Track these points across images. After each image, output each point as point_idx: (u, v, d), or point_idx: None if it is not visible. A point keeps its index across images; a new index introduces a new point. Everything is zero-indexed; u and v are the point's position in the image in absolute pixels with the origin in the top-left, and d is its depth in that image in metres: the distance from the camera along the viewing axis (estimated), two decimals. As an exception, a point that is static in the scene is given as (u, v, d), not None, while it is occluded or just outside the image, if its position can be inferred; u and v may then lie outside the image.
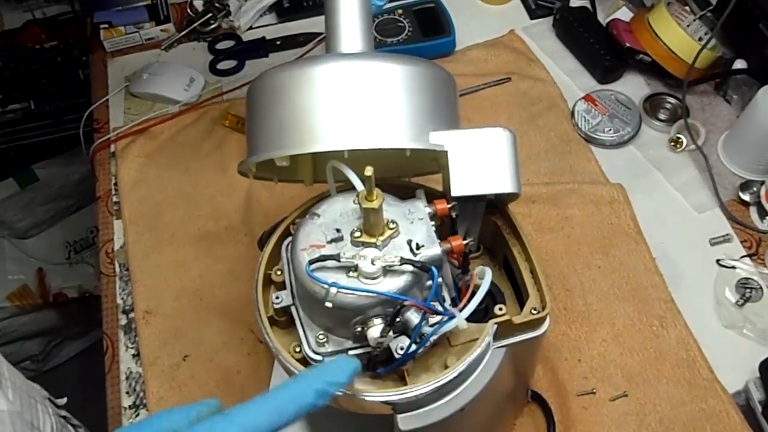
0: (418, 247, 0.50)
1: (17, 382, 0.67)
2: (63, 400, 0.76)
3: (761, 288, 0.79)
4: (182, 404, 0.79)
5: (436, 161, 0.53)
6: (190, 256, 0.87)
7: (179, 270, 0.86)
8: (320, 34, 1.07)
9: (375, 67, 0.52)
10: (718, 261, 0.82)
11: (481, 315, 0.56)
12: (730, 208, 0.87)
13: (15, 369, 0.68)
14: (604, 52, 1.02)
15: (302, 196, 0.61)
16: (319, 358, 0.52)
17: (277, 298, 0.55)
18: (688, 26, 0.95)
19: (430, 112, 0.53)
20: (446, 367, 0.53)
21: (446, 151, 0.52)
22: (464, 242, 0.52)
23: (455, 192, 0.53)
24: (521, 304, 0.58)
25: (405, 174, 0.65)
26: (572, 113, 0.98)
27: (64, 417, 0.75)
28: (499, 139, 0.54)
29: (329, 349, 0.52)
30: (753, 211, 0.87)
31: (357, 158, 0.51)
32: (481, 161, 0.53)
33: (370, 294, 0.48)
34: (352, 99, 0.51)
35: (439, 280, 0.50)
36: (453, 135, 0.52)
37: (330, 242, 0.51)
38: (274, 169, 0.57)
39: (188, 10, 1.14)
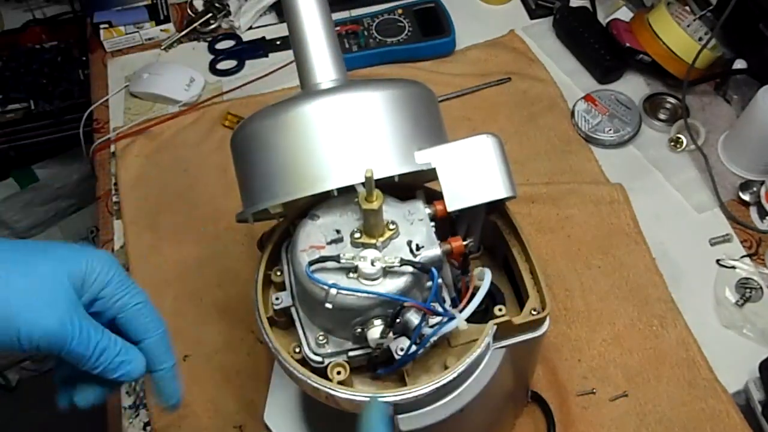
0: (418, 248, 0.50)
1: None
2: None
3: (761, 288, 0.79)
4: (182, 404, 0.79)
5: (433, 171, 0.53)
6: (190, 256, 0.87)
7: (179, 270, 0.86)
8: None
9: (352, 99, 0.51)
10: (718, 261, 0.82)
11: (480, 316, 0.56)
12: (730, 208, 0.87)
13: None
14: (604, 52, 1.02)
15: (302, 196, 0.61)
16: (318, 359, 0.52)
17: (276, 299, 0.55)
18: (688, 26, 0.95)
19: (413, 131, 0.52)
20: (446, 368, 0.53)
21: (434, 169, 0.52)
22: (464, 243, 0.52)
23: (450, 207, 0.52)
24: (521, 305, 0.58)
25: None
26: (572, 113, 0.98)
27: None
28: (485, 146, 0.53)
29: (329, 350, 0.52)
30: (753, 211, 0.87)
31: None
32: (470, 172, 0.52)
33: (370, 295, 0.48)
34: (334, 136, 0.50)
35: (439, 281, 0.50)
36: (439, 151, 0.52)
37: (330, 243, 0.51)
38: (271, 214, 0.57)
39: (188, 10, 1.14)
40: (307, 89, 0.56)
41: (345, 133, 0.51)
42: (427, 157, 0.52)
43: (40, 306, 0.42)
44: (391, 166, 0.51)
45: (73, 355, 0.43)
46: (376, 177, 0.47)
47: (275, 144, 0.52)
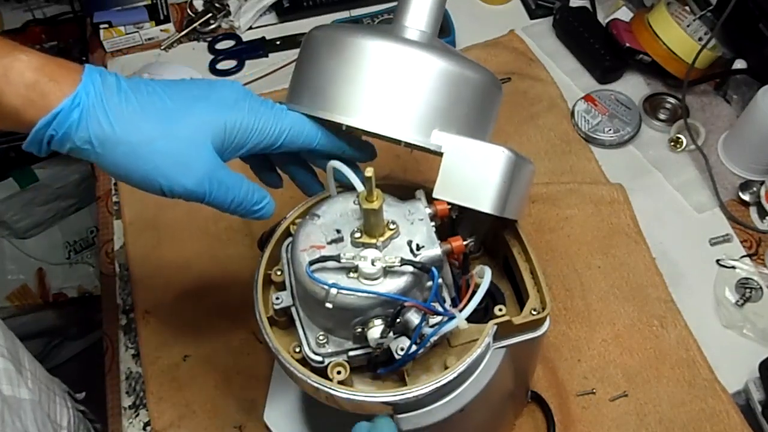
0: (418, 248, 0.51)
1: (37, 373, 0.68)
2: (82, 395, 0.76)
3: (761, 288, 0.79)
4: (182, 404, 0.79)
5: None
6: (190, 256, 0.87)
7: (179, 270, 0.86)
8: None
9: (412, 55, 0.52)
10: (718, 261, 0.82)
11: (480, 315, 0.56)
12: (730, 208, 0.87)
13: (37, 362, 0.69)
14: (604, 52, 1.02)
15: (302, 196, 0.61)
16: (319, 358, 0.52)
17: (277, 298, 0.55)
18: (688, 26, 0.95)
19: (448, 112, 0.52)
20: (446, 368, 0.53)
21: (442, 153, 0.52)
22: (465, 243, 0.52)
23: (435, 194, 0.52)
24: (521, 305, 0.58)
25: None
26: (572, 113, 0.98)
27: (82, 411, 0.75)
28: (496, 157, 0.52)
29: (329, 350, 0.52)
30: (753, 211, 0.87)
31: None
32: (470, 173, 0.52)
33: (370, 295, 0.48)
34: (367, 76, 0.51)
35: (440, 280, 0.50)
36: (454, 139, 0.52)
37: (330, 243, 0.51)
38: None
39: (188, 10, 1.14)
40: (393, 25, 0.57)
41: (377, 78, 0.52)
42: (441, 140, 0.52)
43: (179, 168, 0.49)
44: (405, 132, 0.51)
45: (213, 205, 0.51)
46: (383, 134, 0.48)
47: (316, 56, 0.54)
